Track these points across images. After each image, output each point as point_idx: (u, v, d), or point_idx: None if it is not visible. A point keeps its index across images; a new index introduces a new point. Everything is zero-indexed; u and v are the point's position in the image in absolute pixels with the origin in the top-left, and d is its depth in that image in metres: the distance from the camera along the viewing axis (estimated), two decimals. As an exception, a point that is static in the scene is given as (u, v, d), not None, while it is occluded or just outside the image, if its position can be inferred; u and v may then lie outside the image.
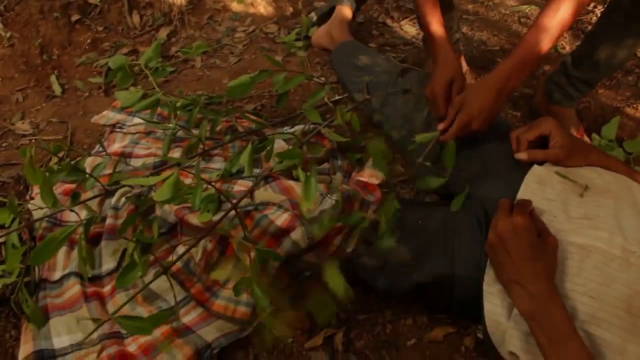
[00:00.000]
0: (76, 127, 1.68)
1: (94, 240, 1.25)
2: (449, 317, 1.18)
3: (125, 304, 0.94)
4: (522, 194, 1.07)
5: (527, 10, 2.27)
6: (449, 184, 1.21)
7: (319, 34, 1.96)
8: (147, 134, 1.56)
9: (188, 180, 1.18)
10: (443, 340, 1.15)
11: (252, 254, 0.97)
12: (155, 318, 0.88)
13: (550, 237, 0.95)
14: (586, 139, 1.68)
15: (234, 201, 1.04)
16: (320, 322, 0.90)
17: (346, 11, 1.98)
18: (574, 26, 2.19)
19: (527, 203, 1.00)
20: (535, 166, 1.13)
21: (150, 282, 0.97)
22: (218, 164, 1.38)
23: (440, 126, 1.26)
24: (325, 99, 1.61)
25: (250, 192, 1.12)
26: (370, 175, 1.31)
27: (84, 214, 1.15)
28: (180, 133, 1.47)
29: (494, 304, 1.00)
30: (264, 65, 1.89)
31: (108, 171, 1.33)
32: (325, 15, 2.03)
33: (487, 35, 2.15)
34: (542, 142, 1.18)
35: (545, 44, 1.18)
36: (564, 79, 1.63)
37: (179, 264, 1.10)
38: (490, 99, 1.20)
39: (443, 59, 1.32)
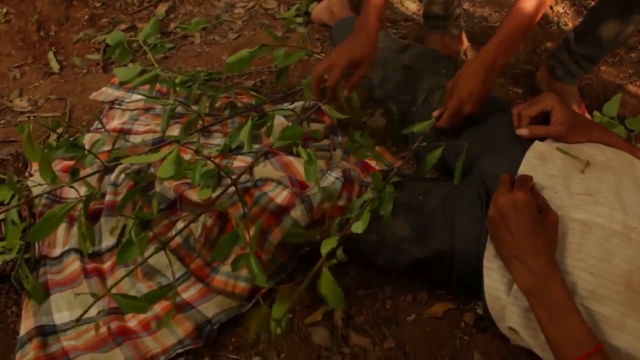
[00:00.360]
0: (74, 104, 1.67)
1: (93, 217, 1.25)
2: (449, 293, 1.19)
3: (123, 277, 0.94)
4: (523, 170, 1.06)
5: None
6: (450, 162, 1.20)
7: (319, 10, 1.94)
8: (146, 110, 1.55)
9: (187, 156, 1.17)
10: (443, 316, 1.16)
11: (251, 231, 0.97)
12: (151, 296, 0.88)
13: (551, 213, 0.95)
14: (587, 115, 1.67)
15: (233, 177, 1.03)
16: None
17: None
18: (577, 2, 2.17)
19: (528, 179, 0.99)
20: (537, 142, 1.12)
21: (149, 256, 0.97)
22: (217, 140, 1.37)
23: (435, 113, 1.25)
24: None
25: (249, 168, 1.12)
26: (371, 158, 1.31)
27: (83, 191, 1.14)
28: (179, 109, 1.46)
29: (494, 279, 1.00)
30: (264, 42, 1.86)
31: (107, 148, 1.33)
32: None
33: (489, 11, 2.13)
34: (543, 118, 1.17)
35: (532, 17, 1.16)
36: (566, 55, 1.62)
37: (178, 240, 1.10)
38: (479, 81, 1.19)
39: (365, 40, 1.28)
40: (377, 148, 1.38)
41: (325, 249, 0.87)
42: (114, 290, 1.15)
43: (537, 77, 1.76)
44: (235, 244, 1.01)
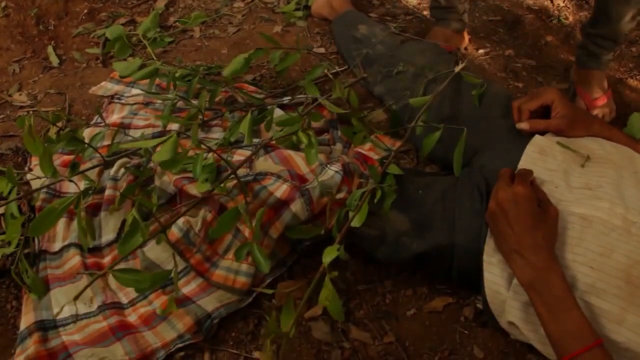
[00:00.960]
0: (74, 99, 1.66)
1: (93, 212, 1.24)
2: (449, 288, 1.19)
3: (120, 260, 0.93)
4: (523, 164, 1.06)
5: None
6: (450, 155, 1.20)
7: (319, 4, 1.93)
8: (146, 104, 1.55)
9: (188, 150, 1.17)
10: (442, 310, 1.15)
11: (253, 223, 0.97)
12: (155, 277, 0.87)
13: (551, 207, 0.95)
14: (612, 104, 1.69)
15: (233, 169, 1.03)
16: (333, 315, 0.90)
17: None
18: (578, -4, 2.16)
19: (528, 173, 0.99)
20: (537, 136, 1.12)
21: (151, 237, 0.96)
22: (217, 134, 1.37)
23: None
24: (325, 71, 1.60)
25: (249, 161, 1.12)
26: (369, 149, 1.31)
27: (83, 185, 1.14)
28: (179, 104, 1.46)
29: (494, 274, 1.00)
30: (263, 36, 1.86)
31: (107, 142, 1.32)
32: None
33: (489, 5, 2.12)
34: (544, 112, 1.17)
35: None
36: (585, 39, 1.66)
37: (178, 235, 1.10)
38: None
39: None
40: (374, 134, 1.37)
41: (327, 258, 0.87)
42: (111, 281, 1.16)
43: (570, 74, 1.79)
44: (235, 221, 1.00)
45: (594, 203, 0.96)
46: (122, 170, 1.25)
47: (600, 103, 1.67)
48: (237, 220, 0.99)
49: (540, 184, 1.01)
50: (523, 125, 1.15)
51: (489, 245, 1.01)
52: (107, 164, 1.22)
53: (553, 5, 2.13)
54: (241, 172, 1.09)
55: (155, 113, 1.50)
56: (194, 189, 1.09)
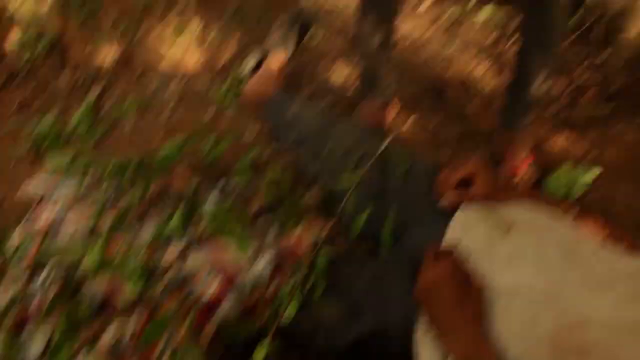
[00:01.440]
0: (3, 198, 1.63)
1: (21, 324, 1.20)
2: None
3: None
4: (447, 240, 1.09)
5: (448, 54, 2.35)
6: (380, 232, 1.22)
7: (249, 88, 1.97)
8: (78, 200, 1.52)
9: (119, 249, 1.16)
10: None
11: (185, 324, 0.96)
12: None
13: (476, 281, 0.98)
14: (537, 164, 1.76)
15: (164, 270, 1.03)
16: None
17: (277, 59, 2.00)
18: (497, 61, 2.28)
19: (451, 250, 1.02)
20: (459, 210, 1.15)
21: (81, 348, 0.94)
22: (151, 227, 1.36)
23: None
24: (259, 154, 1.62)
25: (181, 258, 1.11)
26: (297, 238, 1.32)
27: (10, 295, 1.11)
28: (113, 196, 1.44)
29: (428, 353, 1.01)
30: (196, 122, 1.89)
31: (37, 244, 1.29)
32: (257, 66, 2.04)
33: (413, 77, 2.21)
34: (468, 182, 1.21)
35: None
36: (508, 102, 1.75)
37: (109, 344, 1.07)
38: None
39: None
40: (306, 217, 1.38)
41: (259, 355, 0.87)
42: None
43: (494, 138, 1.85)
44: (164, 328, 0.99)
45: (517, 272, 0.99)
46: (51, 276, 1.21)
47: (525, 164, 1.75)
48: (166, 327, 0.98)
49: (465, 259, 1.04)
50: (444, 203, 1.19)
51: (421, 325, 1.02)
52: (35, 270, 1.19)
53: (474, 74, 2.24)
54: (172, 270, 1.08)
55: (88, 209, 1.48)
56: (125, 293, 1.08)
